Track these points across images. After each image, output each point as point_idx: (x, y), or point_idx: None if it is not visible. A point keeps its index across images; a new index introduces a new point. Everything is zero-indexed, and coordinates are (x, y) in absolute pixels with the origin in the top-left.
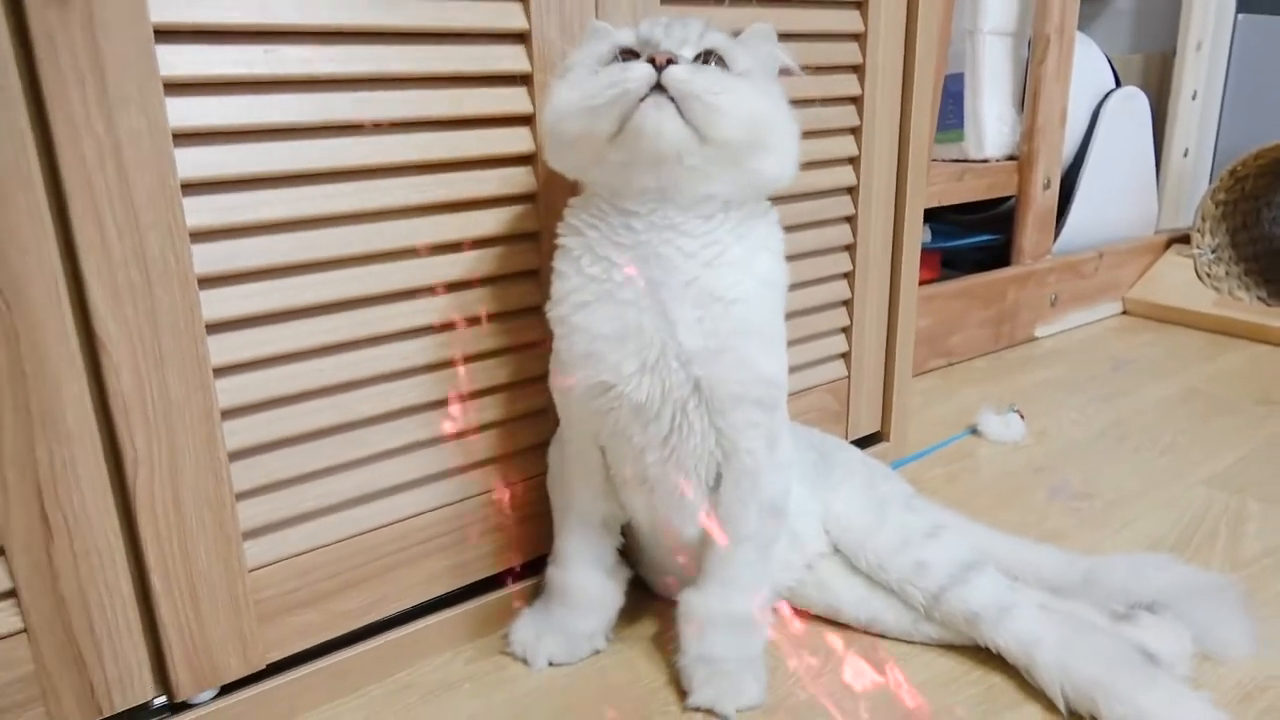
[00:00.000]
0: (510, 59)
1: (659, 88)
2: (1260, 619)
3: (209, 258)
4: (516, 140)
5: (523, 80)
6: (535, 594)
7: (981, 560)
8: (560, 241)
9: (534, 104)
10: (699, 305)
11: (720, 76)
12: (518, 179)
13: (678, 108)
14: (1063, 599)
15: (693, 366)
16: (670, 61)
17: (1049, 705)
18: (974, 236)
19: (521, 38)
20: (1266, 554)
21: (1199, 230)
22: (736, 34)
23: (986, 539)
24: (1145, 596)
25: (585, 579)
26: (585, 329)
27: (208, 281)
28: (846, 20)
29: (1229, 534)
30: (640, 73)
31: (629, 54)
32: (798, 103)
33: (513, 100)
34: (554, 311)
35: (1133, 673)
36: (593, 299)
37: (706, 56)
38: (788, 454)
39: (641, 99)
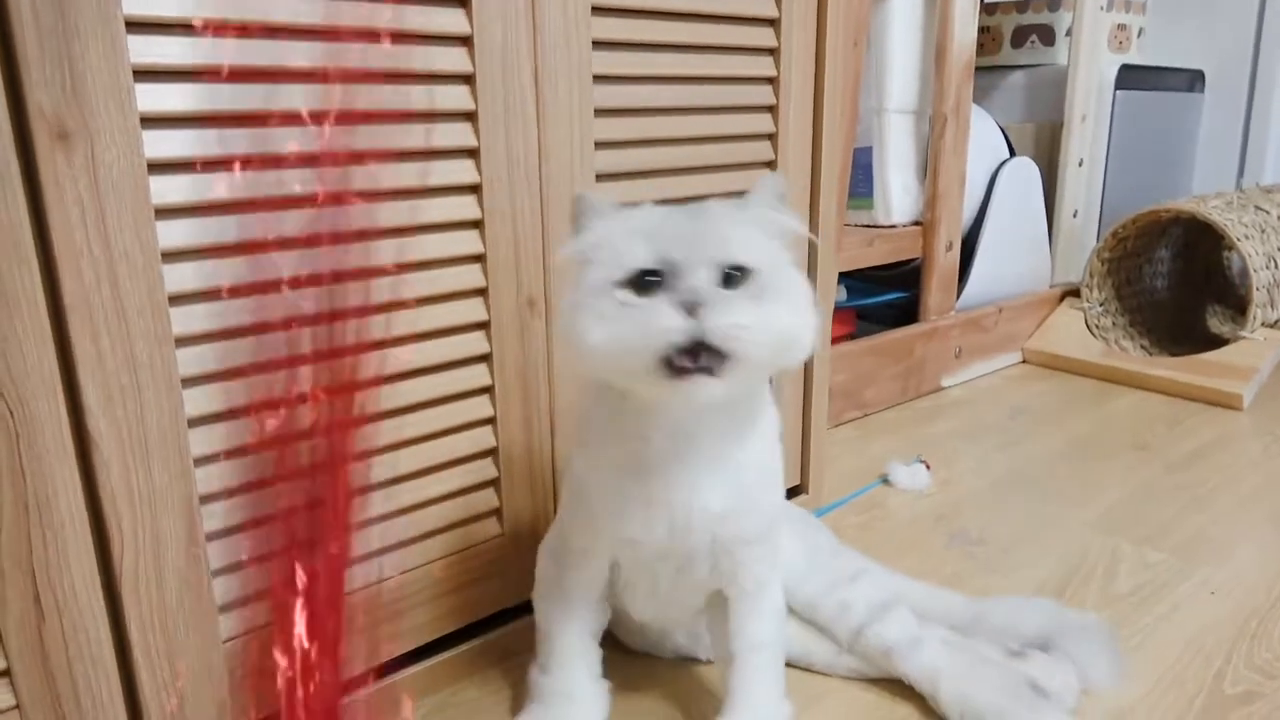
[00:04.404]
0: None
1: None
2: (1126, 651)
3: (192, 360)
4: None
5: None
6: (474, 659)
7: (895, 601)
8: (599, 409)
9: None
10: (720, 473)
11: (747, 307)
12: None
13: (710, 361)
14: (964, 636)
15: (713, 525)
16: (699, 304)
17: None
18: (885, 294)
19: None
20: (1133, 592)
21: (1088, 286)
22: (739, 194)
23: (899, 583)
24: (1027, 635)
25: (579, 685)
26: (620, 492)
27: (190, 381)
28: (761, 122)
29: (1103, 574)
30: (677, 324)
31: (649, 274)
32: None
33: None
34: (594, 475)
35: (1022, 702)
36: (625, 462)
37: (726, 278)
38: (783, 561)
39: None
